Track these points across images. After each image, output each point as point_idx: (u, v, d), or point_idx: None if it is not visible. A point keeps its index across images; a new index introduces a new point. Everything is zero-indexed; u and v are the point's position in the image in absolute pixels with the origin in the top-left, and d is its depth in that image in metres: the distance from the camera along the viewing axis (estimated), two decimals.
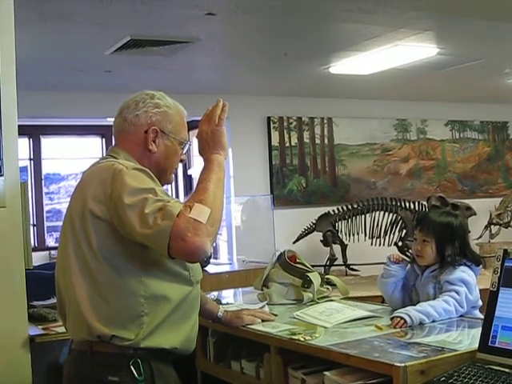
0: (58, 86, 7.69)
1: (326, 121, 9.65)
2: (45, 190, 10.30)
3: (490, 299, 2.61)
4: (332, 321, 3.28)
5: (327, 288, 4.03)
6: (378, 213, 7.94)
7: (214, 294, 4.28)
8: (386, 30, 5.97)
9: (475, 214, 7.64)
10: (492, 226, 9.25)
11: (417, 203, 7.90)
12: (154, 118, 2.70)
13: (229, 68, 7.45)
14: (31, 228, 8.45)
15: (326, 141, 9.66)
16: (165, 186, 2.78)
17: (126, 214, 2.36)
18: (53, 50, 6.17)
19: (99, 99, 7.89)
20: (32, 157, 9.91)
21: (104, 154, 2.81)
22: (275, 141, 9.29)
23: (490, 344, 2.53)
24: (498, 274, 2.62)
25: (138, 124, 2.69)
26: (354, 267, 7.91)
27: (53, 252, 9.35)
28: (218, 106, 2.66)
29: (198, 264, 2.67)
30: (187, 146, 2.80)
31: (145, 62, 6.78)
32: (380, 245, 7.83)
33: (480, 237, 8.95)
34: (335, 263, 7.82)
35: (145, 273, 2.48)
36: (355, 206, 7.98)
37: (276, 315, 3.48)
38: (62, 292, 2.63)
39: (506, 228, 9.39)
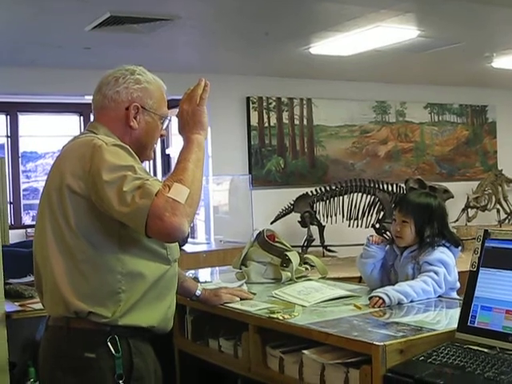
0: (35, 62, 7.61)
1: (305, 102, 9.62)
2: (22, 167, 10.24)
3: (470, 279, 2.62)
4: (310, 300, 3.28)
5: (306, 268, 4.03)
6: (355, 194, 7.95)
7: (192, 272, 4.28)
8: (366, 11, 5.94)
9: (453, 197, 7.67)
10: (469, 210, 9.30)
11: (395, 185, 7.92)
12: (135, 94, 2.67)
13: (208, 47, 7.39)
14: (8, 206, 8.39)
15: (304, 122, 9.63)
16: (143, 164, 2.75)
17: (104, 190, 2.34)
18: (31, 25, 6.08)
19: (78, 76, 7.79)
20: (9, 134, 9.85)
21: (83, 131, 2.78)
22: (254, 121, 9.25)
23: (469, 324, 2.54)
24: (478, 255, 2.63)
25: (119, 100, 2.66)
26: (332, 248, 7.93)
27: (29, 230, 9.35)
28: (199, 85, 2.64)
29: (176, 243, 2.65)
30: (167, 121, 2.78)
31: (124, 40, 6.72)
32: (358, 226, 7.85)
33: (457, 220, 9.00)
34: (312, 244, 7.83)
35: (122, 250, 2.46)
36: (333, 187, 7.99)
37: (254, 294, 3.49)
38: (40, 268, 2.60)
39: (483, 211, 9.44)
